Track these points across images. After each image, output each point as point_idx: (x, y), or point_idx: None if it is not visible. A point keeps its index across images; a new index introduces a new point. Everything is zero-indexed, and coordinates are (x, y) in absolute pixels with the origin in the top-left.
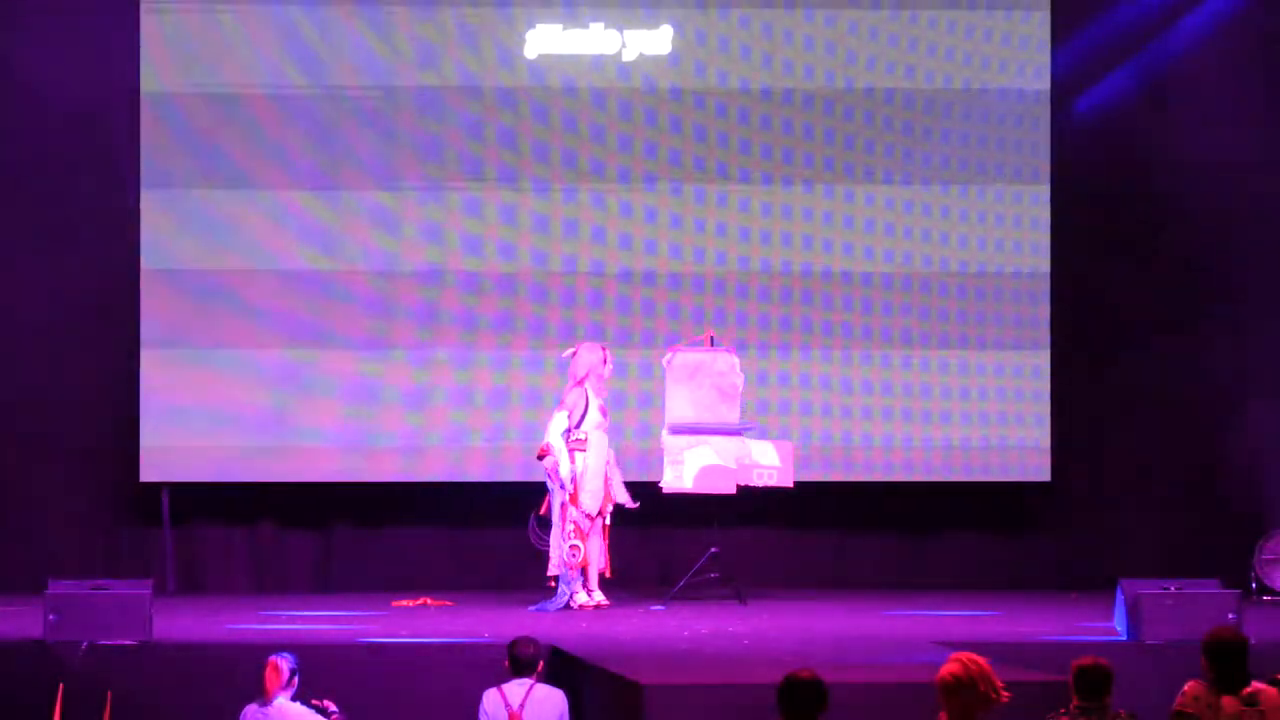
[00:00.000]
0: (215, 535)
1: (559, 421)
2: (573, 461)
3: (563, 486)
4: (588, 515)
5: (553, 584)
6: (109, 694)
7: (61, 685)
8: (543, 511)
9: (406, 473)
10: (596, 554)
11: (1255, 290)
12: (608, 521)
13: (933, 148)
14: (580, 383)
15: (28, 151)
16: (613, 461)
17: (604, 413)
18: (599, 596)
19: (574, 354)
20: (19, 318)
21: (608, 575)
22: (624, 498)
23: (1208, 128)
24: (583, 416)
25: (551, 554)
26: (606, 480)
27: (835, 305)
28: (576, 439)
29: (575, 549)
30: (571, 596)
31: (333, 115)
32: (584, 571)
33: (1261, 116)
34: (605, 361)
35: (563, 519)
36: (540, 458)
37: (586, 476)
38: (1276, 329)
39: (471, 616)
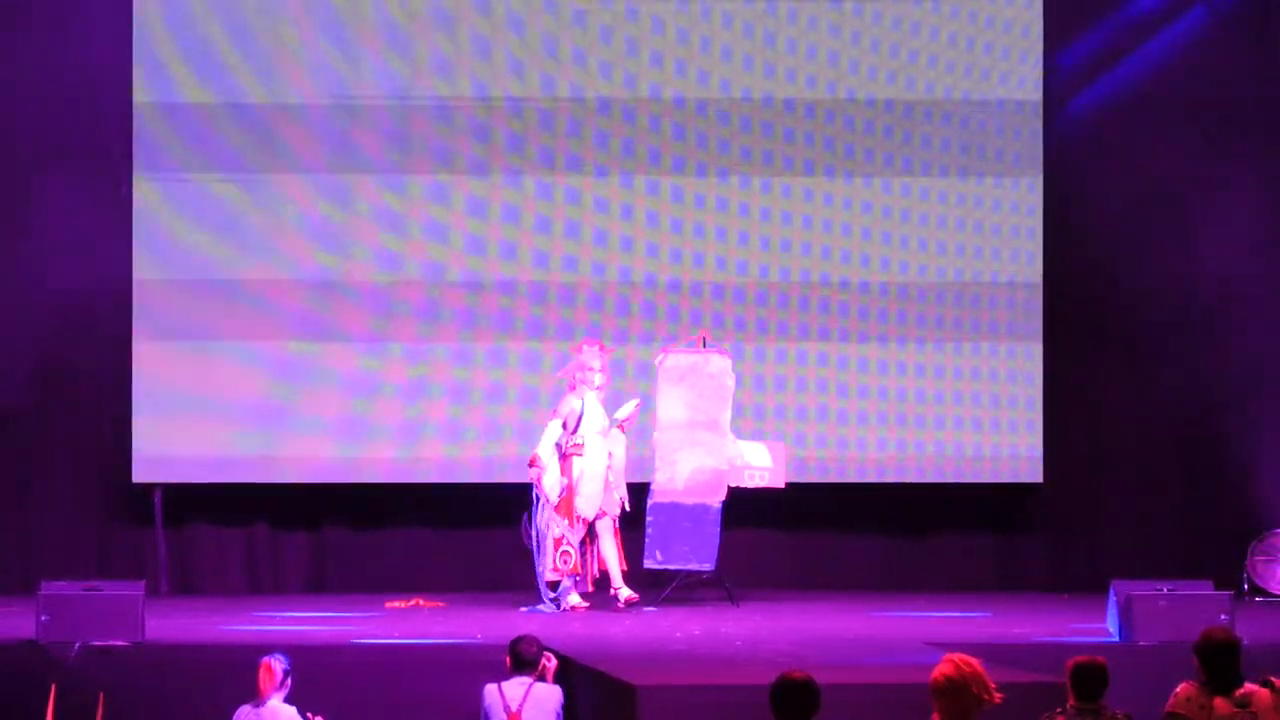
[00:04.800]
0: (208, 536)
1: (552, 430)
2: (570, 468)
3: (545, 501)
4: (583, 520)
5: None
6: (100, 695)
7: (54, 686)
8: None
9: (399, 474)
10: (613, 555)
11: (1249, 290)
12: (617, 525)
13: (928, 152)
14: (572, 387)
15: (21, 151)
16: (615, 461)
17: (599, 419)
18: (626, 593)
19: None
20: (11, 318)
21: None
22: (622, 490)
23: (1201, 130)
24: (579, 421)
25: (546, 560)
26: (607, 484)
27: (829, 307)
28: (574, 444)
29: (566, 555)
30: (562, 599)
31: (333, 117)
32: (605, 574)
33: (1253, 117)
34: (586, 367)
35: (551, 527)
36: (531, 465)
37: (583, 481)
38: (1269, 329)
39: (464, 617)
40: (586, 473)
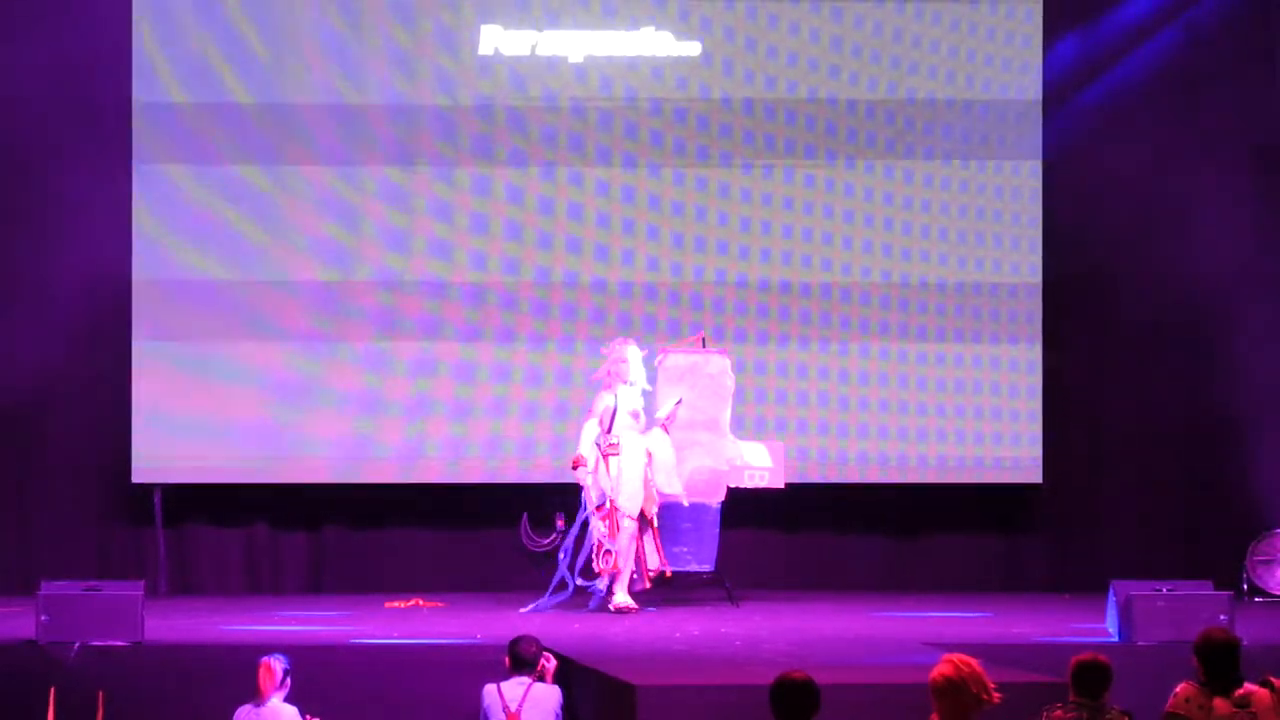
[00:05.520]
0: (208, 536)
1: (589, 430)
2: (608, 468)
3: (602, 495)
4: (629, 518)
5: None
6: (100, 694)
7: (53, 689)
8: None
9: (399, 474)
10: (630, 555)
11: (1249, 290)
12: (656, 525)
13: (927, 150)
14: (607, 385)
15: (20, 151)
16: (658, 459)
17: (634, 416)
18: (621, 598)
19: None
20: (12, 318)
21: (668, 575)
22: (674, 489)
23: (1202, 129)
24: (612, 419)
25: (594, 558)
26: (647, 482)
27: (827, 305)
28: (610, 443)
29: (608, 555)
30: (607, 598)
31: (334, 120)
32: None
33: (1254, 116)
34: (623, 360)
35: (605, 523)
36: (575, 467)
37: (623, 480)
38: (1269, 329)
39: (463, 617)
40: (626, 471)
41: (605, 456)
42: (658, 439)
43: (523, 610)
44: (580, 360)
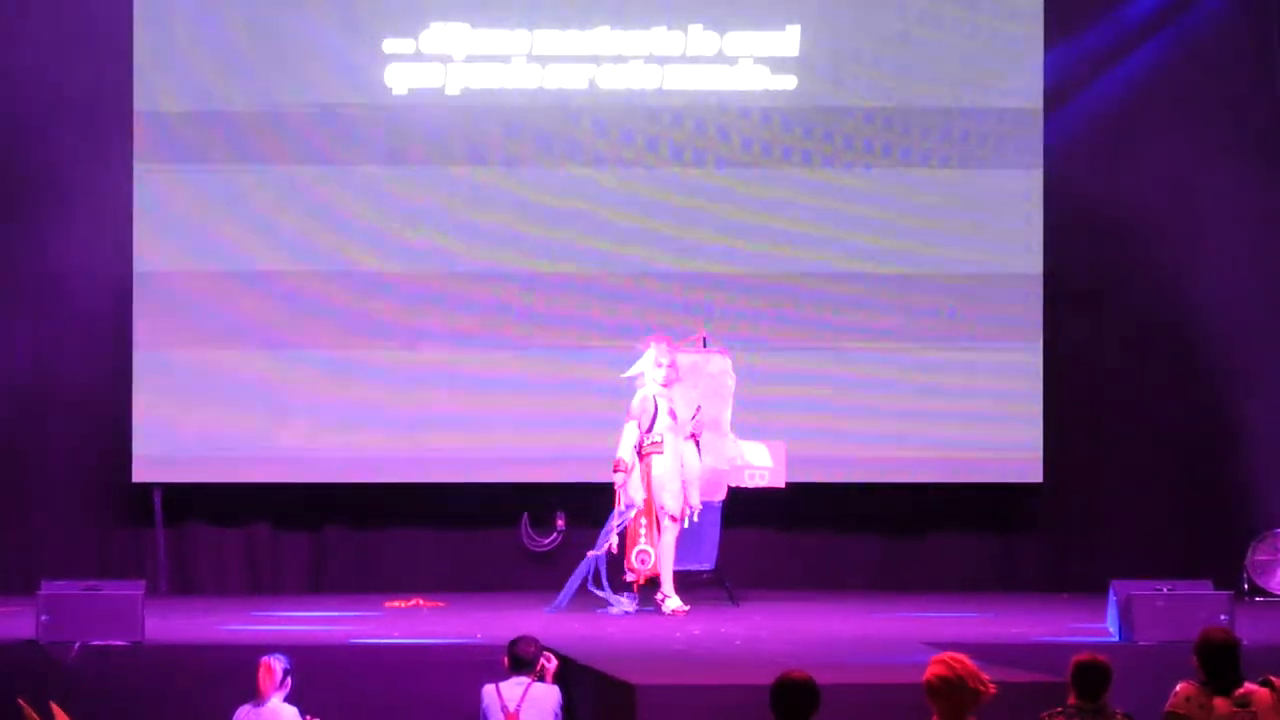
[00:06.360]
0: (208, 536)
1: (629, 433)
2: (651, 467)
3: (630, 505)
4: (671, 518)
5: (634, 590)
6: (20, 701)
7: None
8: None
9: (399, 474)
10: (670, 557)
11: (1249, 290)
12: (685, 525)
13: (928, 146)
14: (645, 385)
15: (19, 150)
16: (686, 468)
17: (673, 415)
18: (675, 603)
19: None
20: (13, 318)
21: (641, 581)
22: (693, 501)
23: (1203, 129)
24: (653, 421)
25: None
26: (684, 483)
27: (828, 305)
28: (652, 443)
29: (644, 555)
30: (660, 603)
31: (334, 120)
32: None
33: (1255, 116)
34: (657, 364)
35: (634, 528)
36: (615, 470)
37: (667, 479)
38: (1270, 328)
39: (463, 617)
40: (670, 469)
41: (647, 456)
42: (688, 448)
43: (603, 611)
44: (588, 363)
